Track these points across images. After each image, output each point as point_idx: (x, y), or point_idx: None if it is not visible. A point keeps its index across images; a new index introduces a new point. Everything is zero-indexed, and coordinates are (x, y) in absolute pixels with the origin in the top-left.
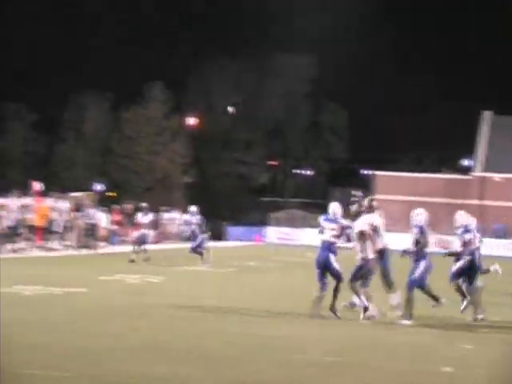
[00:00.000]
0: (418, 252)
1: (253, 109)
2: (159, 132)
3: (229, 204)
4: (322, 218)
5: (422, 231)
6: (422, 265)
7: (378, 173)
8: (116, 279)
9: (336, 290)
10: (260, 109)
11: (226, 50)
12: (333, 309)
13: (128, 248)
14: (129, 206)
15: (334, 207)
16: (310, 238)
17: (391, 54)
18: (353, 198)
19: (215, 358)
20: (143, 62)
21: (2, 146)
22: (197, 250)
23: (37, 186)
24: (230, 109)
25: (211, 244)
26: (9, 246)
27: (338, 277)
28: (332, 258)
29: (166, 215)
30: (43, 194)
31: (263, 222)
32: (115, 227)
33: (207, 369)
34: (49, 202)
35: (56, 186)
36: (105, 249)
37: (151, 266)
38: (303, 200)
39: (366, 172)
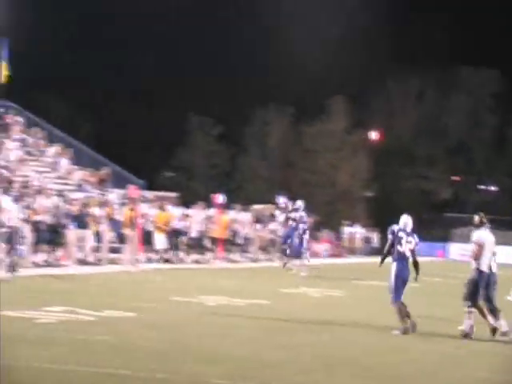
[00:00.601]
0: None
1: (435, 123)
2: (340, 146)
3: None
4: None
5: None
6: None
7: None
8: (299, 292)
9: None
10: (442, 123)
11: (407, 64)
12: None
13: (313, 261)
14: (309, 220)
15: None
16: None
17: None
18: None
19: (397, 376)
20: (324, 76)
21: (187, 158)
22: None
23: (219, 198)
24: None
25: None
26: (193, 257)
27: None
28: None
29: (347, 229)
30: (226, 206)
31: (446, 238)
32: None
33: None
34: (231, 214)
35: (239, 198)
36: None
37: (333, 280)
38: (488, 216)
39: None
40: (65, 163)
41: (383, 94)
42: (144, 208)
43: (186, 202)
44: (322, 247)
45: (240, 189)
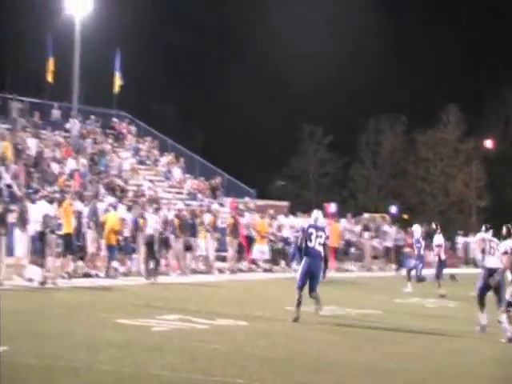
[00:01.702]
0: None
1: None
2: (454, 155)
3: None
4: None
5: None
6: None
7: None
8: (412, 302)
9: None
10: None
11: None
12: None
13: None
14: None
15: None
16: None
17: None
18: None
19: None
20: (436, 84)
21: (298, 166)
22: None
23: (332, 207)
24: None
25: None
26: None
27: None
28: None
29: (461, 239)
30: (338, 215)
31: None
32: (407, 250)
33: None
34: (342, 223)
35: (350, 207)
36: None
37: (449, 290)
38: None
39: None
40: (177, 172)
41: (497, 101)
42: (251, 217)
43: (296, 211)
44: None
45: (352, 197)
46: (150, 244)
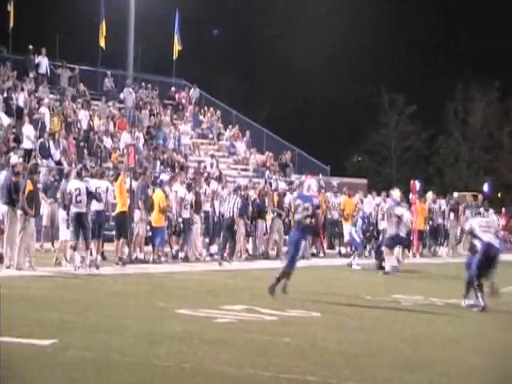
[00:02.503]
0: None
1: None
2: None
3: None
4: None
5: None
6: None
7: None
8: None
9: None
10: None
11: None
12: None
13: None
14: None
15: None
16: None
17: None
18: None
19: None
20: None
21: (378, 140)
22: None
23: (416, 184)
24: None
25: None
26: None
27: None
28: None
29: None
30: (423, 193)
31: None
32: (502, 233)
33: None
34: (429, 202)
35: (437, 185)
36: None
37: None
38: None
39: None
40: (242, 147)
41: None
42: (329, 196)
43: (378, 189)
44: None
45: (438, 174)
46: (230, 227)
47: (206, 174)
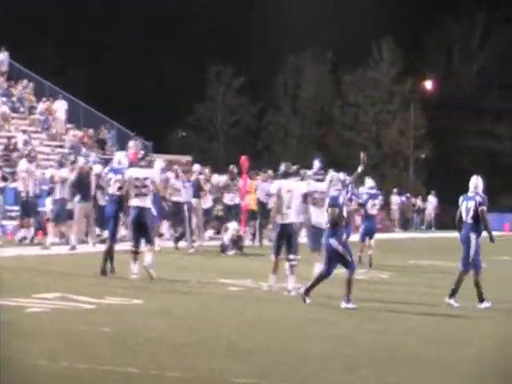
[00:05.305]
0: None
1: (504, 71)
2: (388, 98)
3: None
4: None
5: None
6: None
7: None
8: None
9: None
10: None
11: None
12: None
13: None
14: None
15: None
16: None
17: None
18: None
19: None
20: (369, 14)
21: (205, 114)
22: None
23: (246, 161)
24: None
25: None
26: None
27: None
28: None
29: (395, 198)
30: (250, 170)
31: None
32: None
33: None
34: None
35: (266, 161)
36: None
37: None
38: None
39: None
40: (57, 122)
41: (441, 34)
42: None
43: (206, 164)
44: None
45: (268, 150)
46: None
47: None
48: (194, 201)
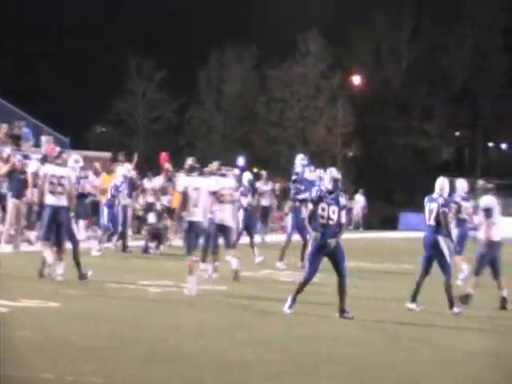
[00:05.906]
0: None
1: (433, 67)
2: (315, 94)
3: (402, 184)
4: None
5: None
6: None
7: None
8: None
9: None
10: (443, 66)
11: None
12: None
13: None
14: (277, 186)
15: None
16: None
17: None
18: None
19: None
20: (295, 7)
21: (124, 109)
22: None
23: (166, 157)
24: None
25: (382, 235)
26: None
27: None
28: None
29: None
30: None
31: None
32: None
33: None
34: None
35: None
36: None
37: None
38: (503, 182)
39: None
40: None
41: (369, 29)
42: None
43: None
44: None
45: (190, 147)
46: None
47: None
48: (127, 201)
